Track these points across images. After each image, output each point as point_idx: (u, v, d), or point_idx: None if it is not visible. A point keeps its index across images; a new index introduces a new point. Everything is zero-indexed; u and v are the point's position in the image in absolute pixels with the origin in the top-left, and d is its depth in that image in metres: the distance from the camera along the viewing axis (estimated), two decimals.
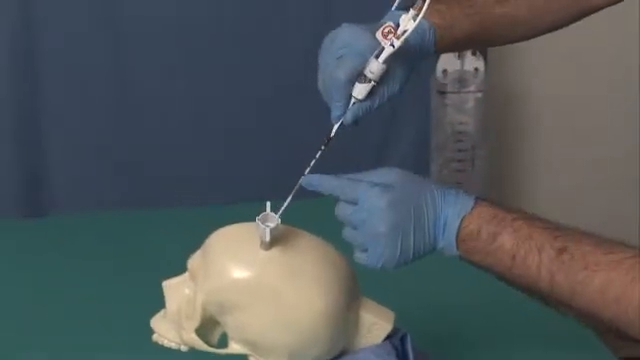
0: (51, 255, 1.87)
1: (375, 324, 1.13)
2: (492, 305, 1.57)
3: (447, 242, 1.04)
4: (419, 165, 2.34)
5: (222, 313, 1.10)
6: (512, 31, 1.28)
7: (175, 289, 1.14)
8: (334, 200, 1.08)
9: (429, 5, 1.07)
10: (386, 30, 1.09)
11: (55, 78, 2.14)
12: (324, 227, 1.11)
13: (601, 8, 1.30)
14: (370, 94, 1.12)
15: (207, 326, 1.12)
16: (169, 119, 2.22)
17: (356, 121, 1.13)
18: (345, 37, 1.13)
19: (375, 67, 1.10)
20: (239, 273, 1.07)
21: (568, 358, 1.43)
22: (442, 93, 2.34)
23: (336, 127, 1.13)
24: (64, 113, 2.17)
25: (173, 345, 1.15)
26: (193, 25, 2.18)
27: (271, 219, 1.06)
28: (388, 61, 1.10)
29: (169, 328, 1.15)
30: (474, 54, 2.33)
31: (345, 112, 1.13)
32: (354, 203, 1.05)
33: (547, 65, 2.57)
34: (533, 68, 2.59)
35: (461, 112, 2.36)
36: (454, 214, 1.03)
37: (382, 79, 1.12)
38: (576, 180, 2.68)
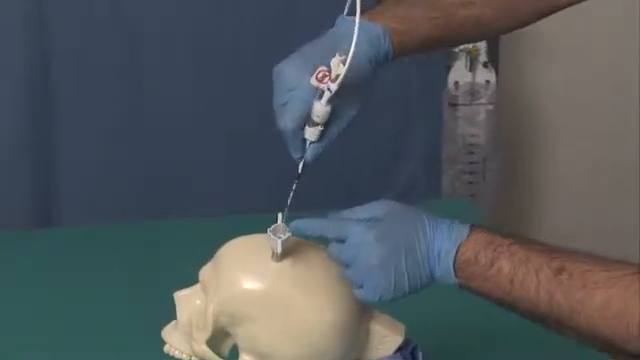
0: (56, 260, 1.87)
1: (386, 336, 1.13)
2: (502, 319, 1.57)
3: (444, 270, 1.03)
4: (430, 178, 2.34)
5: (233, 324, 1.10)
6: (476, 31, 1.27)
7: (186, 300, 1.15)
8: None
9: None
10: (320, 75, 1.08)
11: (64, 79, 2.15)
12: None
13: (565, 7, 1.28)
14: (324, 132, 1.12)
15: (218, 337, 1.12)
16: (176, 121, 2.23)
17: (317, 159, 1.14)
18: (289, 80, 1.12)
19: (320, 110, 1.10)
20: (250, 284, 1.08)
21: None
22: (453, 105, 2.34)
23: (301, 166, 1.14)
24: (71, 113, 2.18)
25: (184, 356, 1.15)
26: (196, 26, 2.18)
27: (283, 231, 1.07)
28: (332, 100, 1.09)
29: (180, 339, 1.15)
30: (485, 66, 2.33)
31: (304, 153, 1.13)
32: (343, 241, 1.05)
33: (558, 77, 2.57)
34: (544, 80, 2.58)
35: (472, 124, 2.36)
36: (450, 242, 1.02)
37: (332, 116, 1.11)
38: (588, 190, 2.68)
